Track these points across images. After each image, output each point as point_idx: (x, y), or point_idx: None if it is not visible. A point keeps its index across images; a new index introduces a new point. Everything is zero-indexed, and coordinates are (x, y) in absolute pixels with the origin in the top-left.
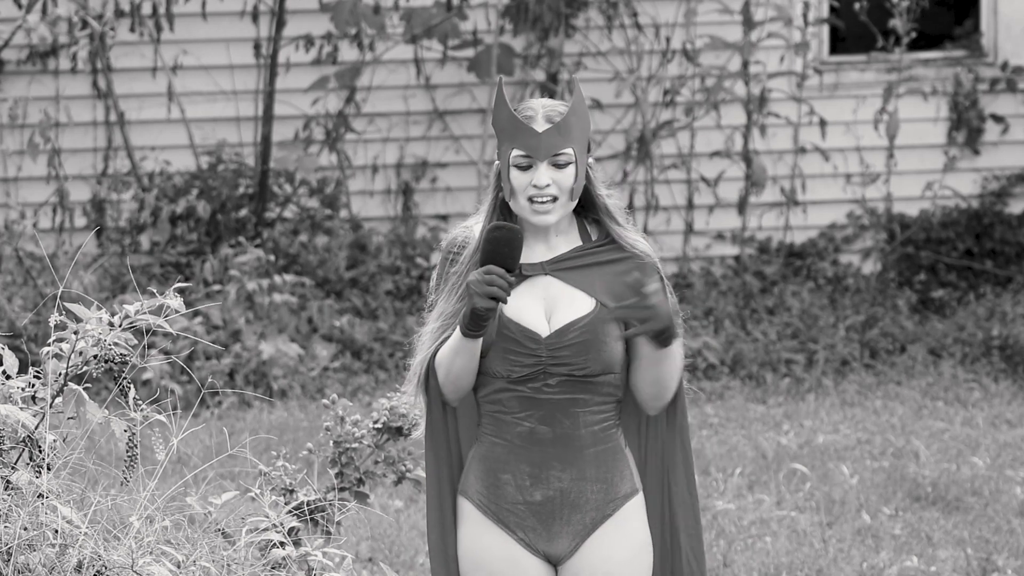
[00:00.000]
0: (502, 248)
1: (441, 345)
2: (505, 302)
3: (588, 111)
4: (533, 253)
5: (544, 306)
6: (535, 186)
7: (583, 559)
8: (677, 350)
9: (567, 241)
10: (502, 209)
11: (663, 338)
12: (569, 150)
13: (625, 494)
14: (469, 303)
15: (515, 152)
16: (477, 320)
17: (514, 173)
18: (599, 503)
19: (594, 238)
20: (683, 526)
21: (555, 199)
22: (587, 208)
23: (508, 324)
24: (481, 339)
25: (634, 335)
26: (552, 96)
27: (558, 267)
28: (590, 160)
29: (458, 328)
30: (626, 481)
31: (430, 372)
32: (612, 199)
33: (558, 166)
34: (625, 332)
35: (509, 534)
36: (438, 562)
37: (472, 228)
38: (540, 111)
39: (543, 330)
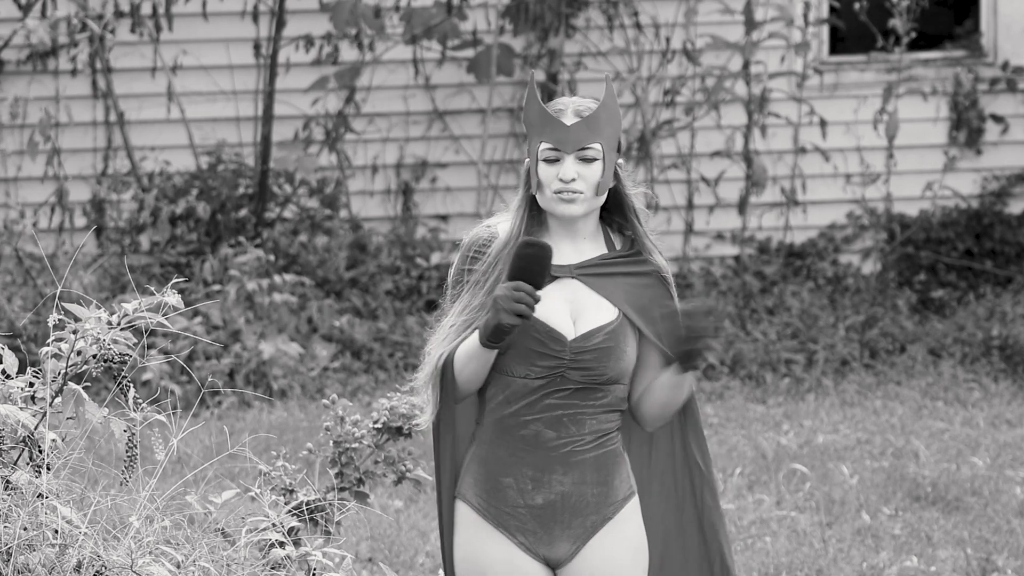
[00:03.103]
0: (533, 266)
1: (460, 342)
2: (530, 319)
3: (619, 111)
4: (561, 255)
5: (570, 309)
6: (561, 180)
7: (583, 562)
8: (691, 379)
9: (594, 246)
10: (531, 206)
11: (691, 364)
12: (596, 145)
13: (624, 497)
14: (494, 317)
15: (543, 145)
16: (500, 334)
17: (542, 167)
18: (599, 506)
19: (618, 247)
20: (721, 528)
21: (581, 193)
22: (613, 211)
23: (535, 324)
24: (497, 350)
25: (681, 351)
26: (552, 95)
27: (585, 272)
28: (619, 161)
29: (476, 336)
30: (624, 484)
31: (447, 367)
32: (640, 201)
33: (585, 160)
34: (674, 349)
35: (509, 538)
36: (450, 558)
37: (495, 227)
38: (570, 106)
39: (569, 332)
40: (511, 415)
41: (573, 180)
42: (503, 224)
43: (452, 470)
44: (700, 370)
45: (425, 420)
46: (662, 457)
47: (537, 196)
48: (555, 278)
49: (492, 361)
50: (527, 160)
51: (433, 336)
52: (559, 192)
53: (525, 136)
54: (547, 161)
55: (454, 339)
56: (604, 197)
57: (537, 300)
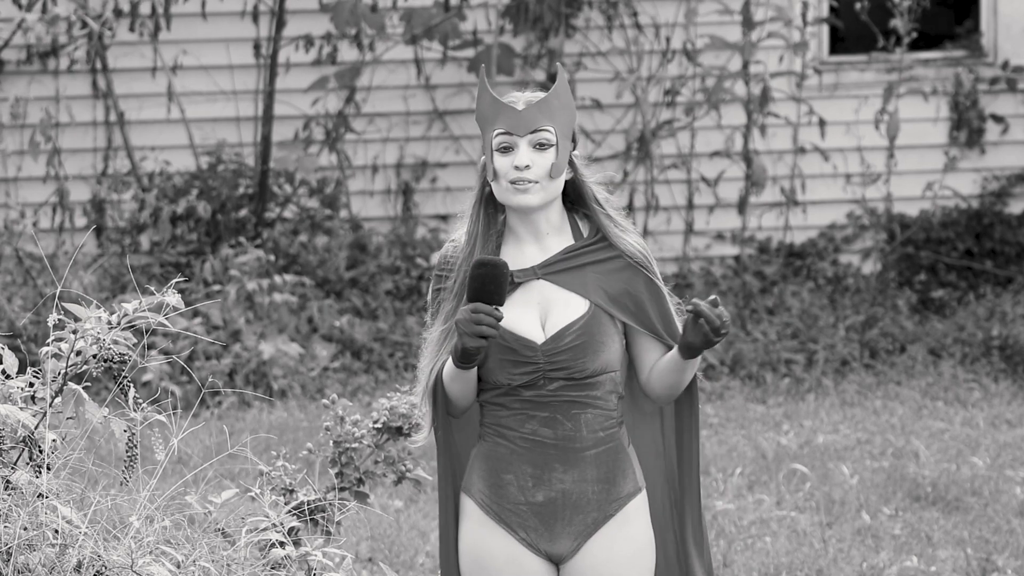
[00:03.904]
0: (488, 285)
1: (447, 357)
2: (495, 337)
3: (572, 100)
4: (525, 255)
5: (539, 311)
6: (516, 167)
7: (585, 559)
8: (696, 361)
9: (559, 239)
10: (487, 202)
11: (694, 351)
12: (550, 129)
13: (628, 493)
14: (459, 341)
15: (497, 132)
16: (469, 356)
17: (496, 157)
18: (601, 503)
19: (585, 235)
20: (691, 520)
21: (535, 183)
22: (576, 202)
23: (504, 334)
24: (475, 367)
25: (693, 345)
26: None
27: (550, 270)
28: (576, 151)
29: (451, 358)
30: (628, 480)
31: (437, 386)
32: (601, 189)
33: (539, 146)
34: (682, 339)
35: (511, 534)
36: (447, 560)
37: (458, 240)
38: (522, 96)
39: (538, 337)
40: (507, 415)
41: (528, 167)
42: (461, 231)
43: (452, 467)
44: (701, 355)
45: (422, 437)
46: (647, 447)
47: (493, 187)
48: (519, 284)
49: (475, 377)
50: (482, 158)
51: (422, 353)
52: (514, 182)
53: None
54: (501, 151)
55: (438, 351)
56: (560, 184)
57: (498, 318)
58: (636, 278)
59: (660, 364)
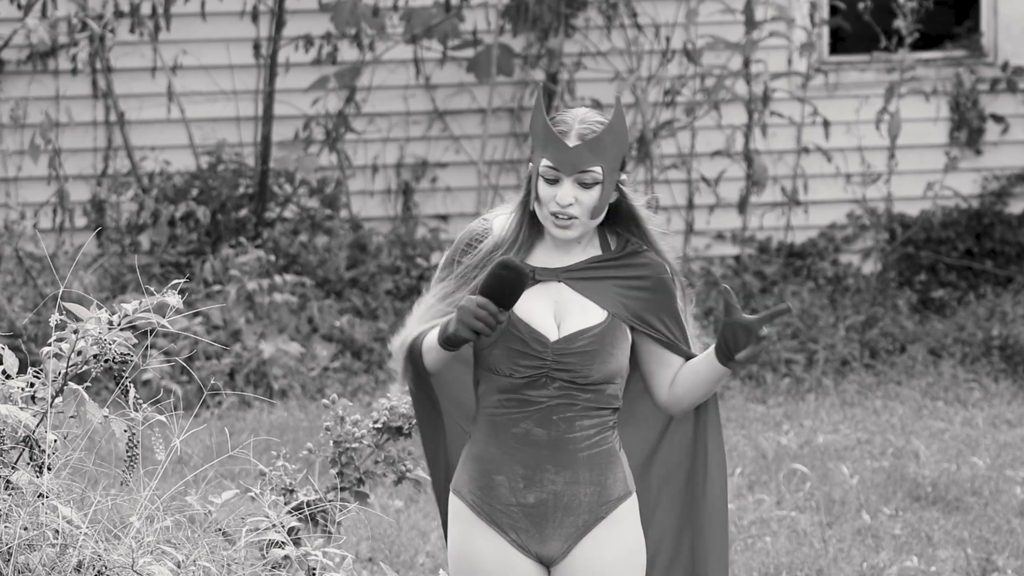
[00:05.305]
0: (504, 289)
1: (431, 328)
2: (489, 336)
3: (626, 131)
4: (550, 259)
5: (555, 310)
6: (557, 203)
7: (575, 561)
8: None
9: (586, 250)
10: (531, 208)
11: (751, 362)
12: (597, 169)
13: (618, 496)
14: (452, 325)
15: (544, 163)
16: (452, 343)
17: (541, 184)
18: (592, 505)
19: (613, 248)
20: (711, 525)
21: (576, 219)
22: (614, 220)
23: (517, 324)
24: (454, 351)
25: (745, 360)
26: (551, 96)
27: (572, 276)
28: (623, 176)
29: (436, 332)
30: (619, 483)
31: (413, 348)
32: (644, 209)
33: (584, 184)
34: (740, 356)
35: (502, 535)
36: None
37: (491, 221)
38: (575, 127)
39: (552, 334)
40: (502, 413)
41: (570, 205)
42: (500, 218)
43: (444, 468)
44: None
45: (397, 387)
46: (674, 450)
47: (535, 207)
48: (538, 281)
49: (448, 358)
50: (531, 164)
51: (416, 308)
52: (555, 214)
53: (527, 136)
54: (547, 180)
55: (429, 320)
56: (602, 215)
57: (500, 322)
58: (656, 299)
59: (695, 374)
